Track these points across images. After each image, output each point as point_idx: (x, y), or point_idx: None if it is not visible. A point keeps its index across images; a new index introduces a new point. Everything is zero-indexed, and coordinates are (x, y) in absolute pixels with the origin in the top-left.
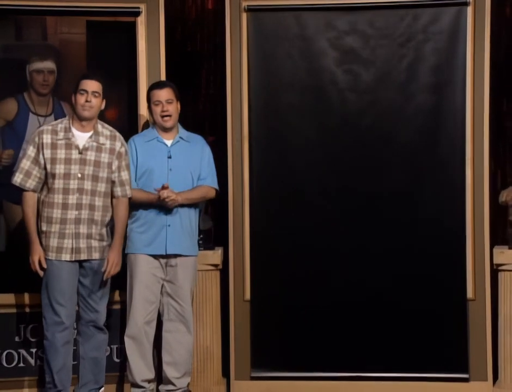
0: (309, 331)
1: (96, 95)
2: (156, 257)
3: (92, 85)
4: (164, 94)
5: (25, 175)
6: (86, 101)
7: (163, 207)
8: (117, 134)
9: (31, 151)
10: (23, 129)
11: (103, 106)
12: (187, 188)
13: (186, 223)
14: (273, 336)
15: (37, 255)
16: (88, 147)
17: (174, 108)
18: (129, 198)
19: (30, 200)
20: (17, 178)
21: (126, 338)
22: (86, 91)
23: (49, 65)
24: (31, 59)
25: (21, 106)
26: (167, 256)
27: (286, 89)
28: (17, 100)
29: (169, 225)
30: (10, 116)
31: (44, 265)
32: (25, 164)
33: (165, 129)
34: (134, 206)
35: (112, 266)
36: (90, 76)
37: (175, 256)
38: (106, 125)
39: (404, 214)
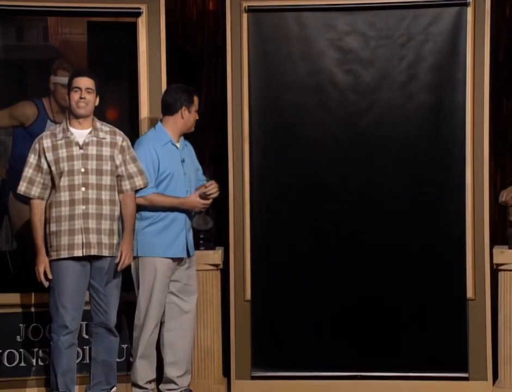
0: (309, 331)
1: (90, 91)
2: (173, 259)
3: (85, 82)
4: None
5: (29, 182)
6: (81, 98)
7: (180, 209)
8: (117, 129)
9: (32, 158)
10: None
11: (97, 103)
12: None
13: (191, 222)
14: (273, 336)
15: (42, 265)
16: (88, 142)
17: None
18: (148, 199)
19: (37, 208)
20: (21, 187)
21: (141, 342)
22: (80, 88)
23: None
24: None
25: (40, 113)
26: (180, 257)
27: (287, 89)
28: (36, 106)
29: (186, 228)
30: (28, 121)
31: (50, 276)
32: (27, 172)
33: (183, 133)
34: (151, 208)
35: (125, 258)
36: (82, 73)
37: (189, 255)
38: (105, 123)
39: (404, 213)
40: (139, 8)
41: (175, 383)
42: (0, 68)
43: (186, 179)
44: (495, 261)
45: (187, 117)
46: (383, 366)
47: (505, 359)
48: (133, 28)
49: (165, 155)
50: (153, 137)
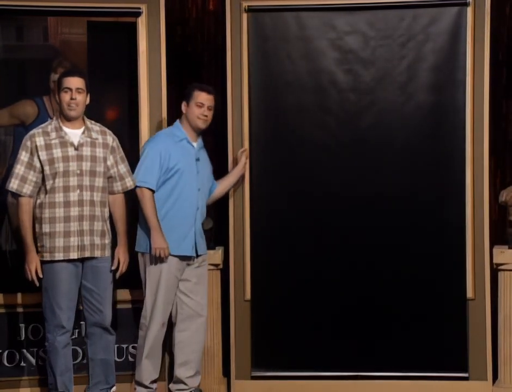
0: (309, 331)
1: (80, 91)
2: (181, 257)
3: (75, 82)
4: (209, 99)
5: (21, 180)
6: (71, 99)
7: (189, 207)
8: (107, 129)
9: (24, 155)
10: None
11: (88, 101)
12: (207, 193)
13: (202, 221)
14: (274, 336)
15: (33, 263)
16: (83, 143)
17: (211, 114)
18: (152, 190)
19: (26, 206)
20: (13, 184)
21: (146, 341)
22: (70, 89)
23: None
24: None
25: (41, 112)
26: (189, 256)
27: (287, 89)
28: (36, 105)
29: (195, 226)
30: (28, 120)
31: (41, 275)
32: (19, 169)
33: (196, 130)
34: (158, 204)
35: (123, 264)
36: (72, 73)
37: (197, 255)
38: (93, 122)
39: (404, 213)
40: (139, 8)
41: (185, 383)
42: (0, 68)
43: (198, 178)
44: (495, 261)
45: (186, 111)
46: (383, 366)
47: (505, 359)
48: (133, 28)
49: (178, 151)
50: (169, 133)
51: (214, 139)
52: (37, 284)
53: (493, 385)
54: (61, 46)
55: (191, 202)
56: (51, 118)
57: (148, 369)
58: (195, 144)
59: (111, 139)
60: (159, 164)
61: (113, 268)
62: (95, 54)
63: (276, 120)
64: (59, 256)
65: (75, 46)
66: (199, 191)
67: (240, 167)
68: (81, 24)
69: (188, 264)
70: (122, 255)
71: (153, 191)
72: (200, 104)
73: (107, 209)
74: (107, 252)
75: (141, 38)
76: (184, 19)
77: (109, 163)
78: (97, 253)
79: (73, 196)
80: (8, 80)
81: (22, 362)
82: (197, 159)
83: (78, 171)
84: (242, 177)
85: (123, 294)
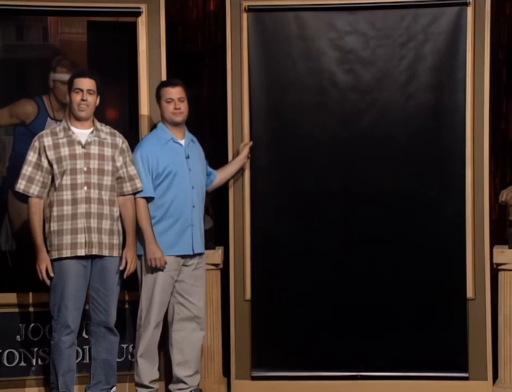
0: (309, 331)
1: (91, 92)
2: (177, 257)
3: (86, 83)
4: (176, 92)
5: (28, 180)
6: (82, 100)
7: (184, 206)
8: (116, 131)
9: (31, 156)
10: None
11: (97, 103)
12: (203, 187)
13: (201, 220)
14: (274, 336)
15: (44, 263)
16: (91, 142)
17: (185, 106)
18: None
19: (36, 207)
20: (20, 185)
21: (142, 342)
22: (81, 90)
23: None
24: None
25: (40, 111)
26: (186, 256)
27: (287, 89)
28: (36, 104)
29: (192, 225)
30: (28, 119)
31: (51, 274)
32: (26, 170)
33: (176, 125)
34: (152, 208)
35: (131, 264)
36: (84, 74)
37: (194, 255)
38: (103, 124)
39: (404, 213)
40: (139, 8)
41: (185, 383)
42: (0, 68)
43: (191, 175)
44: (495, 261)
45: (162, 112)
46: (383, 366)
47: (505, 359)
48: (133, 27)
49: (166, 154)
50: (154, 137)
51: (214, 139)
52: (48, 283)
53: (493, 385)
54: (61, 46)
55: (186, 202)
56: (51, 117)
57: (146, 368)
58: (182, 141)
59: (120, 140)
60: (148, 169)
61: (121, 268)
62: (95, 54)
63: (276, 119)
64: (66, 253)
65: (75, 46)
66: (193, 189)
67: (241, 157)
68: (81, 24)
69: (185, 265)
70: (129, 255)
71: (150, 198)
72: (169, 100)
73: (116, 209)
74: (116, 252)
75: (141, 38)
76: (184, 19)
77: (118, 163)
78: (105, 252)
79: (80, 193)
80: (8, 80)
81: (22, 362)
82: (188, 157)
83: (85, 169)
84: (242, 171)
85: (123, 294)
